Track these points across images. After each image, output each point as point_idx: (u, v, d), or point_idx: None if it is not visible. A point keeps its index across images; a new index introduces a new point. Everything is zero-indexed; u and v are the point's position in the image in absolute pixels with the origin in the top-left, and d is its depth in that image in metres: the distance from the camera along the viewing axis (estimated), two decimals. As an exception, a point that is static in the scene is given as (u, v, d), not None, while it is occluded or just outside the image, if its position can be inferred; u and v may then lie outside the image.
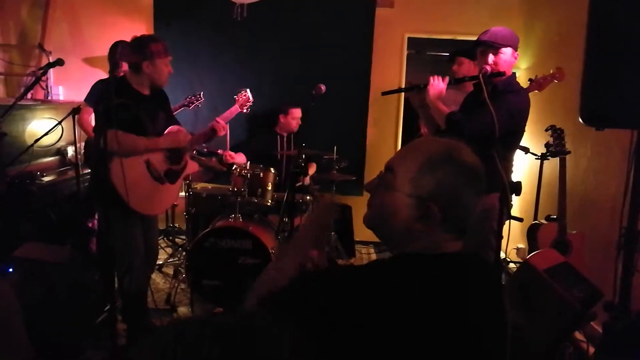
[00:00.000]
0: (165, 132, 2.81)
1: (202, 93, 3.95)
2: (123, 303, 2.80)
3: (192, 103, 3.90)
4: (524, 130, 2.60)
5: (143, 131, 2.65)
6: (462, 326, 0.97)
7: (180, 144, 2.82)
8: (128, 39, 3.11)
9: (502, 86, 2.47)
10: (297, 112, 4.15)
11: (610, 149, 3.08)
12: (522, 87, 2.56)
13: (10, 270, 2.37)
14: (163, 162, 2.78)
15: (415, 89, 2.61)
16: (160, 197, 2.80)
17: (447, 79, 2.55)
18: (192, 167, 3.00)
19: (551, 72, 3.25)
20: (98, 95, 3.48)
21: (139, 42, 2.65)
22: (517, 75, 2.72)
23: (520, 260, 3.97)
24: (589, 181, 3.33)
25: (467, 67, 3.62)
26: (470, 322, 0.99)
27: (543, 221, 3.24)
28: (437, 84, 2.51)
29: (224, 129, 2.95)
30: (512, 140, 2.54)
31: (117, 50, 3.55)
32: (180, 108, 3.87)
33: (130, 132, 2.56)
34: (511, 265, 4.03)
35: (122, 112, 2.47)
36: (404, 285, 0.97)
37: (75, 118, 3.31)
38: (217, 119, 2.97)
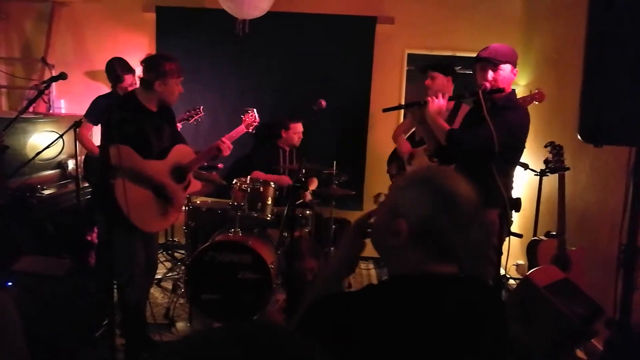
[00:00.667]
0: (171, 151, 2.81)
1: (201, 107, 3.96)
2: (122, 316, 2.78)
3: (192, 117, 3.92)
4: (524, 146, 2.61)
5: (149, 146, 2.66)
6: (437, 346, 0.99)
7: (175, 195, 2.80)
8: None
9: (501, 102, 2.49)
10: (298, 127, 4.17)
11: (609, 165, 3.09)
12: (522, 104, 2.58)
13: (9, 284, 2.36)
14: (167, 180, 2.79)
15: (416, 105, 2.63)
16: (163, 214, 2.80)
17: (446, 95, 2.57)
18: (195, 185, 2.99)
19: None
20: (98, 111, 3.50)
21: (154, 61, 2.68)
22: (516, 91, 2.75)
23: (520, 277, 3.95)
24: (588, 197, 3.33)
25: (440, 82, 3.64)
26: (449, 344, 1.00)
27: (543, 237, 3.24)
28: (437, 101, 2.53)
29: (229, 149, 2.95)
30: (512, 156, 2.56)
31: (115, 67, 3.59)
32: (180, 122, 3.88)
33: (136, 146, 2.57)
34: (511, 281, 4.01)
35: (127, 126, 2.49)
36: (388, 308, 1.01)
37: (76, 132, 3.34)
38: (223, 138, 2.96)
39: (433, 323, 1.00)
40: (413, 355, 0.96)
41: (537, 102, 3.26)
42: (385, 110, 2.82)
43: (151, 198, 2.70)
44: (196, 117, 3.92)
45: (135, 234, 2.66)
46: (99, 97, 3.76)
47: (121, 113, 2.56)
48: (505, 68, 2.46)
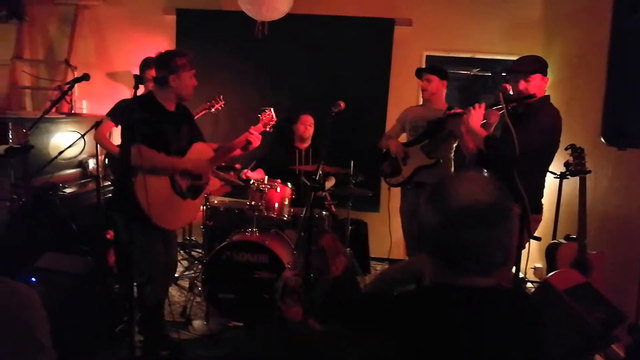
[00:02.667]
0: (190, 150, 2.84)
1: (221, 96, 3.99)
2: (141, 314, 2.82)
3: (213, 106, 3.95)
4: (558, 147, 2.73)
5: (166, 145, 2.69)
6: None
7: (201, 169, 2.85)
8: (151, 55, 3.20)
9: (535, 107, 2.65)
10: (305, 118, 4.19)
11: (631, 169, 3.05)
12: (554, 108, 2.70)
13: (33, 280, 2.41)
14: (185, 177, 2.82)
15: (458, 116, 2.89)
16: (181, 212, 2.83)
17: (483, 105, 2.73)
18: (214, 183, 3.02)
19: None
20: (121, 111, 3.55)
21: (164, 57, 2.72)
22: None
23: (538, 280, 3.91)
24: (609, 201, 3.28)
25: (435, 85, 3.66)
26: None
27: (562, 240, 3.20)
28: (477, 112, 2.71)
29: (258, 139, 3.00)
30: (545, 157, 2.72)
31: (145, 65, 3.61)
32: (202, 112, 3.92)
33: (154, 146, 2.60)
34: (529, 284, 3.97)
35: (145, 127, 2.52)
36: (403, 319, 1.03)
37: (95, 131, 3.39)
38: (251, 129, 3.00)
39: (453, 336, 1.00)
40: None
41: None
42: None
43: (171, 193, 2.73)
44: (217, 105, 3.96)
45: (154, 234, 2.69)
46: (124, 99, 3.78)
47: (141, 113, 2.60)
48: (536, 77, 2.66)
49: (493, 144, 2.63)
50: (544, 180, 2.81)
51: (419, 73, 3.79)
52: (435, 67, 3.77)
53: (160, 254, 2.76)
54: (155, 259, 2.72)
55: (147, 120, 2.59)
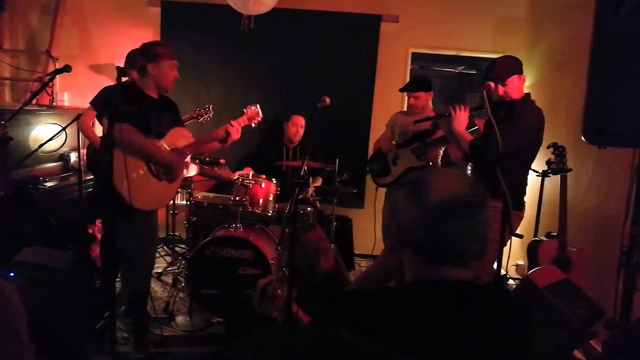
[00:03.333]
0: (168, 133, 2.82)
1: (210, 106, 3.94)
2: (126, 307, 2.80)
3: (202, 116, 3.89)
4: (541, 145, 2.73)
5: (147, 130, 2.68)
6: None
7: (175, 163, 2.79)
8: (135, 47, 3.15)
9: (518, 107, 2.65)
10: (297, 119, 4.16)
11: (612, 167, 3.10)
12: (536, 107, 2.70)
13: (12, 275, 2.37)
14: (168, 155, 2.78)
15: (441, 117, 2.81)
16: (157, 193, 2.80)
17: (467, 108, 2.71)
18: (192, 169, 3.00)
19: None
20: (103, 97, 3.45)
21: (146, 46, 2.74)
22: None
23: (520, 277, 3.96)
24: (590, 199, 3.34)
25: (424, 99, 3.67)
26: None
27: (543, 238, 3.25)
28: (460, 115, 2.70)
29: (237, 132, 2.97)
30: (528, 156, 2.74)
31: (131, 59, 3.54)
32: (189, 120, 3.87)
33: (136, 126, 2.61)
34: (510, 282, 4.02)
35: (128, 107, 2.53)
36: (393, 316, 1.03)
37: (78, 121, 3.33)
38: (232, 122, 2.98)
39: (439, 332, 1.00)
40: None
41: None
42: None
43: (147, 175, 2.71)
44: (205, 116, 3.90)
45: (138, 217, 2.68)
46: (107, 87, 3.69)
47: (122, 96, 2.59)
48: (513, 79, 2.65)
49: (479, 146, 2.63)
50: (526, 178, 2.83)
51: (405, 91, 3.79)
52: (419, 81, 3.73)
53: (146, 237, 2.75)
54: (140, 241, 2.71)
55: (129, 102, 2.58)
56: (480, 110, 2.81)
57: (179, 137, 2.88)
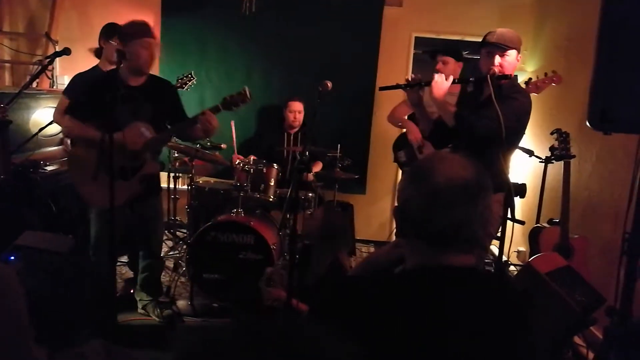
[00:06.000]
0: (127, 127, 2.67)
1: (192, 72, 3.90)
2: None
3: (185, 84, 3.86)
4: (525, 132, 2.61)
5: (112, 120, 2.45)
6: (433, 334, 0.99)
7: (133, 145, 2.67)
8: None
9: (506, 88, 2.48)
10: (294, 105, 4.12)
11: (615, 154, 3.07)
12: (524, 89, 2.59)
13: (12, 258, 2.37)
14: (119, 158, 2.60)
15: (416, 86, 2.57)
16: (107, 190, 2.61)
17: (451, 78, 2.52)
18: (152, 167, 2.79)
19: (548, 75, 3.23)
20: (72, 85, 3.26)
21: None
22: (523, 77, 2.72)
23: (521, 263, 3.96)
24: (593, 186, 3.32)
25: (451, 67, 3.53)
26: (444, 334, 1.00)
27: (546, 225, 3.24)
28: (442, 83, 2.50)
29: (208, 122, 2.68)
30: (514, 141, 2.57)
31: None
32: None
33: (99, 120, 2.49)
34: (511, 268, 4.02)
35: (88, 100, 2.56)
36: (394, 302, 1.02)
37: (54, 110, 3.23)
38: (204, 110, 2.72)
39: (442, 318, 0.99)
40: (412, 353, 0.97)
41: (554, 85, 3.21)
42: (382, 88, 2.72)
43: (97, 172, 2.65)
44: (189, 83, 3.87)
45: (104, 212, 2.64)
46: (78, 74, 3.37)
47: (90, 87, 2.61)
48: (512, 54, 2.46)
49: (465, 117, 2.44)
50: (508, 166, 2.62)
51: (433, 54, 3.62)
52: (452, 47, 3.60)
53: (102, 227, 2.72)
54: (95, 230, 2.77)
55: (96, 94, 2.52)
56: (468, 83, 2.70)
57: (141, 133, 2.70)
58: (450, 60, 3.55)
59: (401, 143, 3.92)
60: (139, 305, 3.16)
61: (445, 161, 1.09)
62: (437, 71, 3.52)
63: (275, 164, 3.59)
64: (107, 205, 2.29)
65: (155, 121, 2.77)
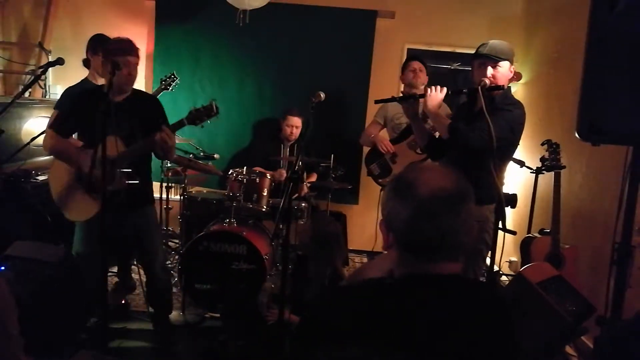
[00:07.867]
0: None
1: (174, 72, 3.93)
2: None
3: (169, 85, 3.88)
4: (519, 143, 2.63)
5: (92, 136, 2.46)
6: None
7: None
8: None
9: (499, 99, 2.49)
10: (293, 120, 4.11)
11: (605, 165, 3.11)
12: (518, 101, 2.58)
13: (2, 268, 2.36)
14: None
15: (411, 99, 2.60)
16: (83, 204, 2.69)
17: (444, 89, 2.54)
18: (119, 183, 2.64)
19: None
20: (63, 99, 3.28)
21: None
22: (514, 89, 2.75)
23: (513, 273, 3.98)
24: (583, 196, 3.35)
25: (425, 75, 3.67)
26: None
27: (537, 235, 3.26)
28: (435, 95, 2.52)
29: (162, 140, 2.51)
30: (508, 152, 2.59)
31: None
32: (159, 93, 3.86)
33: (81, 134, 2.65)
34: (503, 278, 4.04)
35: (74, 115, 2.63)
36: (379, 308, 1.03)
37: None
38: (163, 126, 2.55)
39: (428, 327, 1.00)
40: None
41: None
42: (377, 101, 2.78)
43: (76, 185, 2.69)
44: (173, 83, 3.89)
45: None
46: (68, 88, 3.41)
47: (77, 102, 2.67)
48: (504, 65, 2.47)
49: (460, 130, 2.45)
50: (503, 177, 2.64)
51: (407, 62, 3.75)
52: (419, 57, 3.70)
53: (86, 239, 2.75)
54: (80, 238, 2.77)
55: (82, 109, 2.58)
56: (460, 94, 2.71)
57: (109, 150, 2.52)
58: (423, 68, 3.64)
59: (372, 156, 3.93)
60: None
61: (426, 172, 1.11)
62: (412, 80, 3.62)
63: (267, 174, 3.59)
64: (81, 218, 2.49)
65: (134, 137, 2.65)
